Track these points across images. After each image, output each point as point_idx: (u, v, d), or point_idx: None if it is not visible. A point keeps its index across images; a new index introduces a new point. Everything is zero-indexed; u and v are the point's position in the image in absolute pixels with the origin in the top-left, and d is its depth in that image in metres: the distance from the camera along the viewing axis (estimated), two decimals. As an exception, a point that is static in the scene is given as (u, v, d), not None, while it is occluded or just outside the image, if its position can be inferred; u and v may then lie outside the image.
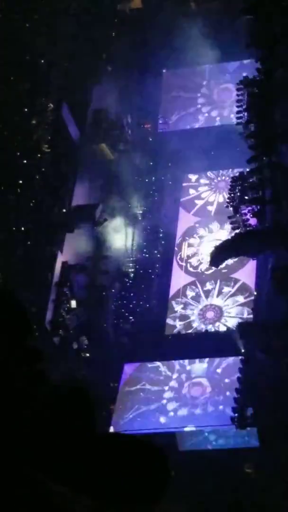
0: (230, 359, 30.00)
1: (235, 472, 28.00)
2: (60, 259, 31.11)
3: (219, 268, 31.95)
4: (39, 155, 31.54)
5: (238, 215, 27.90)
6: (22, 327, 4.37)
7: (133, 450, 3.89)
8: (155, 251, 34.06)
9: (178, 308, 32.90)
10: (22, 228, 30.00)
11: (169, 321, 32.62)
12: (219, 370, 30.34)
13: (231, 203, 28.38)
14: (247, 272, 32.44)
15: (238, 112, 30.81)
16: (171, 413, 29.79)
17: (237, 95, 31.10)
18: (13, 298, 4.28)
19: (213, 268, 32.24)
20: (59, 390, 4.26)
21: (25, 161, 31.18)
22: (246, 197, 27.61)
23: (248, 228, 27.65)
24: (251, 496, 26.99)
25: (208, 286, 33.15)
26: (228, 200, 28.89)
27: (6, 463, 3.90)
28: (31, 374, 4.38)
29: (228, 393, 29.13)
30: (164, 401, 30.22)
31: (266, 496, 26.70)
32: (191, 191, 35.82)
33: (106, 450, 3.90)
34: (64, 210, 32.22)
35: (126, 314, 32.89)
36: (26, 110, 31.63)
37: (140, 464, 3.85)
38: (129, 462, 3.85)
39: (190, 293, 33.10)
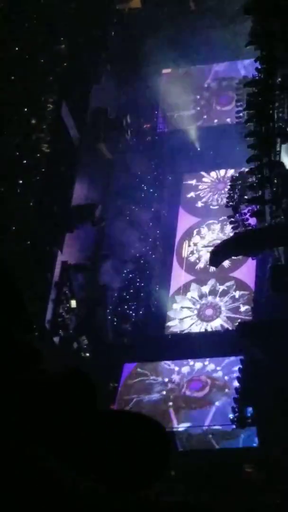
0: (231, 357, 30.03)
1: (235, 472, 28.00)
2: (60, 259, 31.12)
3: (218, 267, 31.97)
4: (38, 155, 31.53)
5: (237, 215, 27.92)
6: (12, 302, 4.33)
7: (134, 424, 3.90)
8: (155, 251, 34.06)
9: (177, 307, 32.94)
10: (22, 228, 29.99)
11: (169, 320, 32.64)
12: (219, 368, 30.37)
13: (230, 203, 28.40)
14: (246, 271, 32.48)
15: (237, 112, 30.85)
16: (171, 414, 29.80)
17: (237, 94, 31.15)
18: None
19: (213, 267, 32.25)
20: (58, 373, 4.27)
21: (24, 161, 31.18)
22: (245, 197, 27.61)
23: (247, 228, 27.65)
24: (250, 495, 26.98)
25: (208, 285, 33.19)
26: (227, 200, 28.91)
27: (9, 443, 3.91)
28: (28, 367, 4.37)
29: (227, 390, 29.17)
30: (163, 401, 30.24)
31: (266, 495, 26.71)
32: (191, 190, 35.83)
33: (106, 424, 3.90)
34: (63, 210, 32.21)
35: (126, 314, 32.90)
36: (25, 110, 31.61)
37: (141, 438, 3.85)
38: (129, 437, 3.85)
39: (190, 293, 33.14)
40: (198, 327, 32.37)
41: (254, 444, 28.16)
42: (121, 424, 3.91)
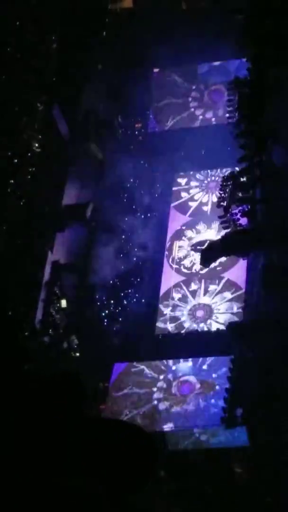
0: (221, 358, 30.00)
1: (224, 472, 28.01)
2: (50, 258, 31.10)
3: (209, 267, 31.97)
4: (29, 155, 31.49)
5: (228, 215, 27.89)
6: None
7: (120, 432, 3.88)
8: (146, 251, 34.02)
9: (168, 308, 32.88)
10: (12, 227, 29.96)
11: (159, 321, 32.58)
12: (208, 369, 30.35)
13: (221, 203, 28.38)
14: (237, 272, 32.45)
15: (229, 112, 30.86)
16: (161, 414, 29.76)
17: (228, 94, 31.14)
18: None
19: (204, 267, 32.24)
20: (49, 377, 4.25)
21: (15, 161, 31.14)
22: (236, 197, 27.61)
23: (238, 228, 27.65)
24: (241, 494, 27.00)
25: (199, 285, 33.15)
26: (218, 200, 28.88)
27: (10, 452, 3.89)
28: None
29: (217, 388, 29.16)
30: (154, 402, 30.21)
31: (256, 494, 26.73)
32: (182, 190, 35.81)
33: (95, 432, 3.88)
34: (54, 210, 32.19)
35: (116, 313, 32.86)
36: (16, 109, 31.57)
37: (128, 446, 3.83)
38: (116, 444, 3.83)
39: (180, 293, 33.09)
40: (189, 327, 32.30)
41: (244, 444, 28.13)
42: (107, 433, 3.90)
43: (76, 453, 4.00)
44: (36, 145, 31.75)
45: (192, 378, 30.25)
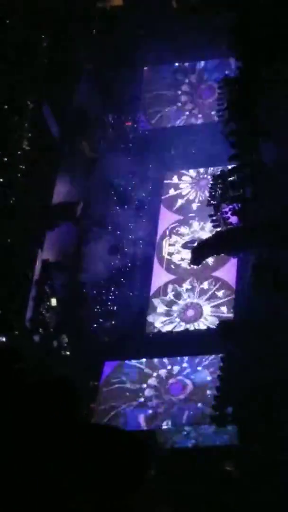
0: (211, 357, 30.03)
1: (215, 470, 28.03)
2: (40, 257, 31.06)
3: (200, 266, 31.96)
4: (19, 153, 31.44)
5: (219, 213, 27.91)
6: None
7: (113, 439, 3.88)
8: (136, 249, 34.01)
9: (158, 306, 32.86)
10: (2, 225, 29.91)
11: (149, 319, 32.58)
12: (199, 368, 30.35)
13: (212, 201, 28.39)
14: (228, 271, 32.46)
15: (219, 110, 30.86)
16: (151, 411, 29.77)
17: (219, 93, 31.13)
18: None
19: (194, 266, 32.24)
20: (42, 382, 4.23)
21: (5, 159, 31.10)
22: (227, 195, 27.62)
23: (229, 226, 27.67)
24: (231, 493, 27.02)
25: (189, 284, 33.14)
26: (209, 198, 28.89)
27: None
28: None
29: (208, 392, 29.16)
30: (143, 400, 30.20)
31: (246, 493, 26.75)
32: (172, 189, 35.79)
33: (87, 439, 3.87)
34: (44, 208, 32.14)
35: (107, 312, 32.84)
36: (6, 107, 31.51)
37: (120, 453, 3.83)
38: (108, 451, 3.83)
39: (170, 292, 33.07)
40: (179, 326, 32.27)
41: (234, 442, 28.17)
42: (99, 439, 3.90)
43: (68, 461, 3.99)
44: (26, 143, 31.68)
45: (183, 381, 30.22)
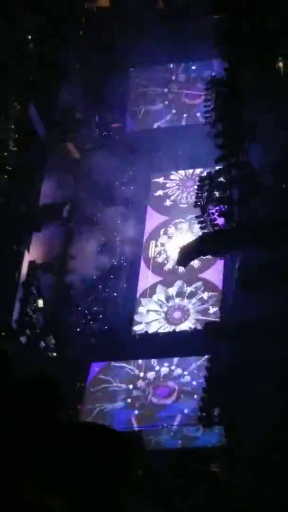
0: (198, 361, 29.98)
1: (202, 471, 28.05)
2: (27, 258, 31.02)
3: (186, 267, 32.00)
4: (5, 154, 31.40)
5: (205, 215, 27.95)
6: None
7: (97, 436, 3.88)
8: (123, 250, 34.00)
9: (145, 308, 32.83)
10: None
11: (136, 321, 32.54)
12: (186, 373, 30.33)
13: (198, 203, 28.43)
14: (214, 272, 32.47)
15: (205, 112, 30.92)
16: (137, 411, 29.77)
17: (205, 94, 31.20)
18: None
19: (181, 267, 32.27)
20: (25, 382, 4.23)
21: (-9, 160, 31.13)
22: (213, 197, 27.66)
23: (215, 228, 27.71)
24: (218, 494, 27.05)
25: (175, 286, 33.10)
26: (195, 200, 28.93)
27: None
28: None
29: (195, 396, 29.16)
30: (129, 400, 30.18)
31: (232, 494, 26.79)
32: (159, 190, 35.79)
33: (71, 439, 3.87)
34: (31, 209, 32.12)
35: (93, 313, 32.80)
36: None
37: (105, 452, 3.83)
38: (94, 451, 3.83)
39: (157, 293, 33.02)
40: (166, 330, 32.21)
41: (221, 444, 28.19)
42: (84, 437, 3.89)
43: (49, 461, 3.98)
44: (12, 144, 31.64)
45: (170, 384, 30.19)
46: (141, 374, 30.69)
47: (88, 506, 3.94)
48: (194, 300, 32.44)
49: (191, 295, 32.60)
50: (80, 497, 3.91)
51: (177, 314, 32.36)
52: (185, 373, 30.23)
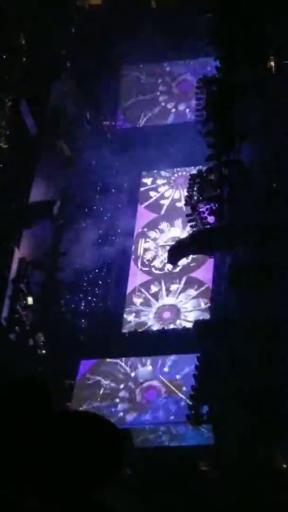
0: (186, 359, 29.92)
1: (190, 470, 28.08)
2: (17, 255, 31.00)
3: (176, 266, 32.00)
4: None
5: (196, 213, 27.94)
6: None
7: (87, 425, 3.87)
8: (113, 248, 33.97)
9: (134, 306, 32.79)
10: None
11: (126, 318, 32.50)
12: (166, 369, 30.31)
13: (189, 201, 28.43)
14: (204, 271, 32.47)
15: (197, 110, 30.93)
16: (126, 409, 29.75)
17: (196, 93, 31.19)
18: None
19: (170, 266, 32.27)
20: (13, 382, 4.22)
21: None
22: (204, 195, 27.66)
23: (206, 226, 27.71)
24: (206, 493, 27.09)
25: (165, 285, 33.08)
26: (186, 198, 28.92)
27: None
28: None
29: (184, 393, 29.15)
30: (118, 400, 30.16)
31: (221, 493, 26.83)
32: (149, 188, 35.78)
33: (60, 428, 3.86)
34: (21, 206, 32.10)
35: (83, 310, 32.78)
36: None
37: (94, 438, 3.82)
38: (83, 437, 3.82)
39: (146, 292, 32.99)
40: (155, 327, 32.18)
41: (210, 442, 28.21)
42: (75, 425, 3.88)
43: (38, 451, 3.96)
44: (4, 141, 31.62)
45: (158, 386, 30.13)
46: (131, 374, 30.65)
47: (71, 498, 3.93)
48: (183, 298, 32.42)
49: (181, 293, 32.58)
50: (63, 488, 3.89)
51: (166, 314, 32.31)
52: (174, 372, 30.20)
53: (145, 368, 30.69)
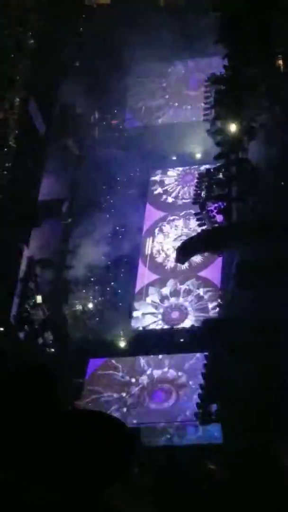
0: (193, 360, 29.91)
1: (198, 469, 28.04)
2: (25, 254, 31.03)
3: (184, 265, 31.99)
4: (5, 150, 31.40)
5: (204, 212, 27.95)
6: None
7: (97, 423, 3.89)
8: (121, 247, 33.99)
9: (143, 305, 32.79)
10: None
11: (134, 317, 32.51)
12: (174, 368, 30.30)
13: (197, 200, 28.44)
14: (212, 269, 32.45)
15: (205, 109, 30.94)
16: (135, 409, 29.75)
17: (205, 91, 31.21)
18: None
19: (179, 265, 32.25)
20: (20, 370, 4.23)
21: (-9, 156, 31.14)
22: (212, 194, 27.66)
23: (214, 225, 27.70)
24: (213, 492, 27.04)
25: (172, 285, 33.05)
26: (194, 197, 28.93)
27: None
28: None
29: (192, 388, 29.14)
30: (126, 398, 30.15)
31: (229, 492, 26.79)
32: (158, 186, 35.79)
33: (69, 426, 3.87)
34: (30, 205, 32.12)
35: (92, 310, 32.83)
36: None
37: (103, 436, 3.83)
38: (92, 435, 3.83)
39: (154, 291, 32.97)
40: (163, 326, 32.15)
41: (218, 441, 28.18)
42: (84, 423, 3.89)
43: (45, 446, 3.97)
44: (13, 140, 31.64)
45: (166, 387, 30.11)
46: (141, 373, 30.64)
47: (78, 495, 3.94)
48: (191, 298, 32.40)
49: (188, 293, 32.56)
50: (71, 485, 3.90)
51: (174, 314, 32.29)
52: (180, 373, 30.17)
53: (153, 367, 30.68)
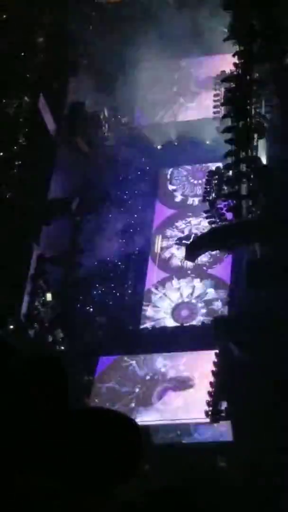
0: (202, 358, 29.85)
1: (209, 467, 28.03)
2: (36, 252, 31.09)
3: (194, 263, 31.98)
4: (15, 148, 31.45)
5: (214, 210, 27.93)
6: None
7: (108, 421, 3.89)
8: (131, 245, 34.01)
9: (152, 303, 32.79)
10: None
11: (144, 315, 32.53)
12: (184, 366, 30.26)
13: (207, 198, 28.42)
14: (222, 267, 32.43)
15: (215, 107, 30.91)
16: (144, 407, 29.75)
17: (214, 89, 31.18)
18: None
19: (188, 263, 32.26)
20: (30, 360, 4.25)
21: (1, 154, 31.13)
22: (222, 192, 27.64)
23: (224, 223, 27.67)
24: (224, 490, 27.03)
25: (183, 281, 33.05)
26: (204, 194, 28.92)
27: None
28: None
29: (202, 385, 29.09)
30: (135, 397, 30.14)
31: (240, 490, 26.77)
32: (168, 184, 35.80)
33: (78, 424, 3.88)
34: (40, 203, 32.16)
35: (102, 307, 32.86)
36: (4, 101, 31.58)
37: (115, 434, 3.84)
38: (103, 433, 3.83)
39: (164, 289, 32.97)
40: (173, 325, 32.14)
41: (228, 439, 28.16)
42: (95, 421, 3.90)
43: (56, 443, 3.98)
44: (22, 138, 31.68)
45: (173, 380, 30.05)
46: (150, 371, 30.62)
47: (89, 493, 3.94)
48: (201, 296, 32.40)
49: (198, 291, 32.55)
50: (81, 480, 3.91)
51: (184, 312, 32.30)
52: (190, 371, 30.12)
53: (163, 364, 30.69)
